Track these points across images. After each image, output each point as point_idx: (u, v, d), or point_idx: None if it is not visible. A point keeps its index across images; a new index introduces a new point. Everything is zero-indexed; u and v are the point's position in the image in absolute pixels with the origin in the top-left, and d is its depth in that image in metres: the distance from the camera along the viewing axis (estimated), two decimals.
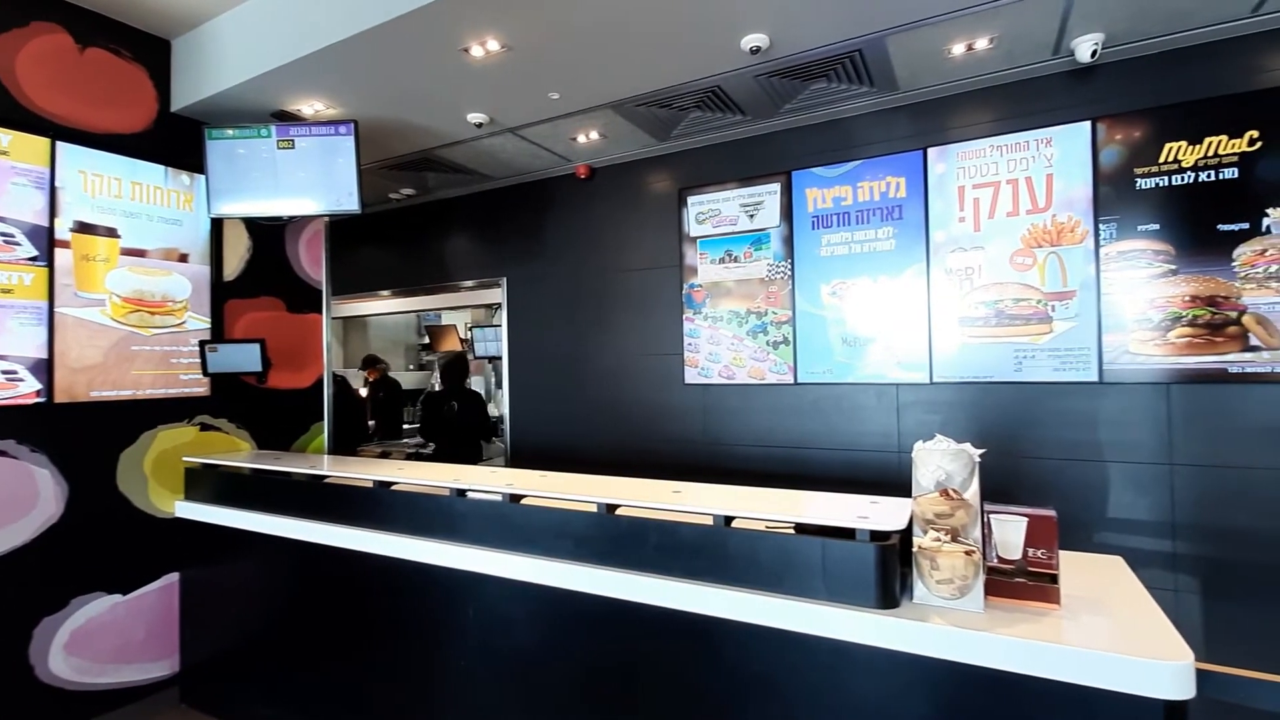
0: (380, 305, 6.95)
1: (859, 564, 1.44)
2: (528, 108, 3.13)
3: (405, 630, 2.16)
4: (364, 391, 6.62)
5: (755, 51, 2.55)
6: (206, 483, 2.89)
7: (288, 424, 3.59)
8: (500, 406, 4.54)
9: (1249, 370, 2.42)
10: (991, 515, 1.48)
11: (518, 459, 4.16)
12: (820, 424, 3.21)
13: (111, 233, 2.87)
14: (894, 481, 2.96)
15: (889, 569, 1.43)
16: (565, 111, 3.17)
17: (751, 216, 3.41)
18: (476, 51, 2.56)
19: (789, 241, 3.31)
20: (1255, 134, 2.43)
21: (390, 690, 2.19)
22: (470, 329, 7.58)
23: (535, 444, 4.12)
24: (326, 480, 2.47)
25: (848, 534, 1.48)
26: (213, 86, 2.94)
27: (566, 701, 1.80)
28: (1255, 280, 2.42)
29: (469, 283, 4.55)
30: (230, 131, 3.04)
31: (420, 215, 4.70)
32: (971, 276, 2.89)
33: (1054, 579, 1.42)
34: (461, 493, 2.06)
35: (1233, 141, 2.46)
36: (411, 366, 8.33)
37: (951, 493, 1.46)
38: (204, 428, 3.17)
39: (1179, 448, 2.52)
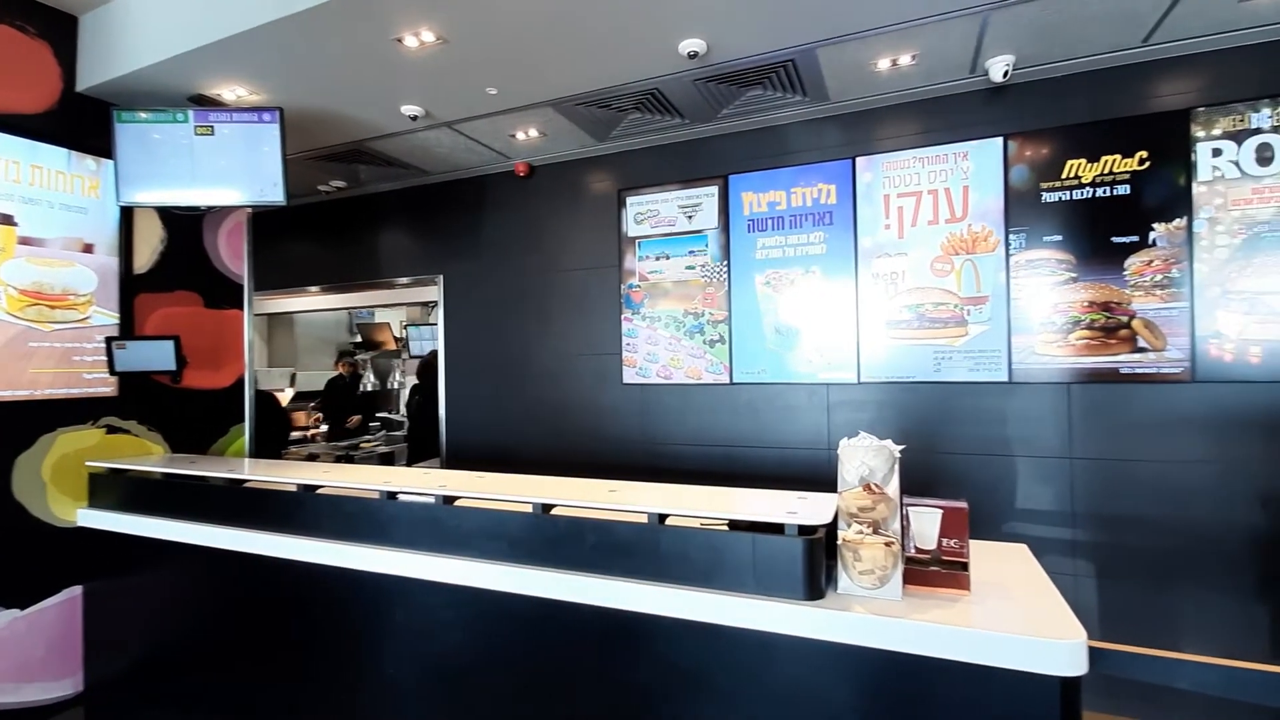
0: (309, 301, 6.67)
1: (787, 558, 1.49)
2: (465, 102, 3.08)
3: (330, 639, 2.09)
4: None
5: (693, 56, 2.60)
6: (113, 489, 2.70)
7: (205, 426, 3.40)
8: (438, 406, 4.43)
9: (1138, 371, 2.65)
10: (910, 508, 1.56)
11: (454, 460, 4.08)
12: (754, 423, 3.29)
13: (7, 220, 2.64)
14: (824, 478, 3.07)
15: (815, 562, 1.49)
16: (504, 108, 3.14)
17: (690, 218, 3.47)
18: (410, 42, 2.49)
19: (725, 244, 3.38)
20: (1145, 154, 2.65)
21: (313, 702, 2.11)
22: (405, 327, 7.37)
23: (472, 445, 4.05)
24: (246, 485, 2.36)
25: (777, 529, 1.52)
26: (124, 66, 2.75)
27: (499, 704, 1.79)
28: (1143, 288, 2.64)
29: (404, 280, 4.43)
30: (143, 115, 2.85)
31: (352, 209, 4.54)
32: (896, 281, 3.03)
33: (965, 567, 1.51)
34: (392, 495, 2.01)
35: (1125, 161, 2.68)
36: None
37: (874, 487, 1.53)
38: (111, 430, 2.96)
39: (1078, 442, 2.73)
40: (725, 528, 1.60)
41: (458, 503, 1.91)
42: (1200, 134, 2.59)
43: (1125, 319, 2.67)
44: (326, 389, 6.56)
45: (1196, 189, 2.59)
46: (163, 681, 2.51)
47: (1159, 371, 2.62)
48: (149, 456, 3.03)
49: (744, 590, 1.51)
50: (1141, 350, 2.64)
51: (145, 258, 3.16)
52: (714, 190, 3.42)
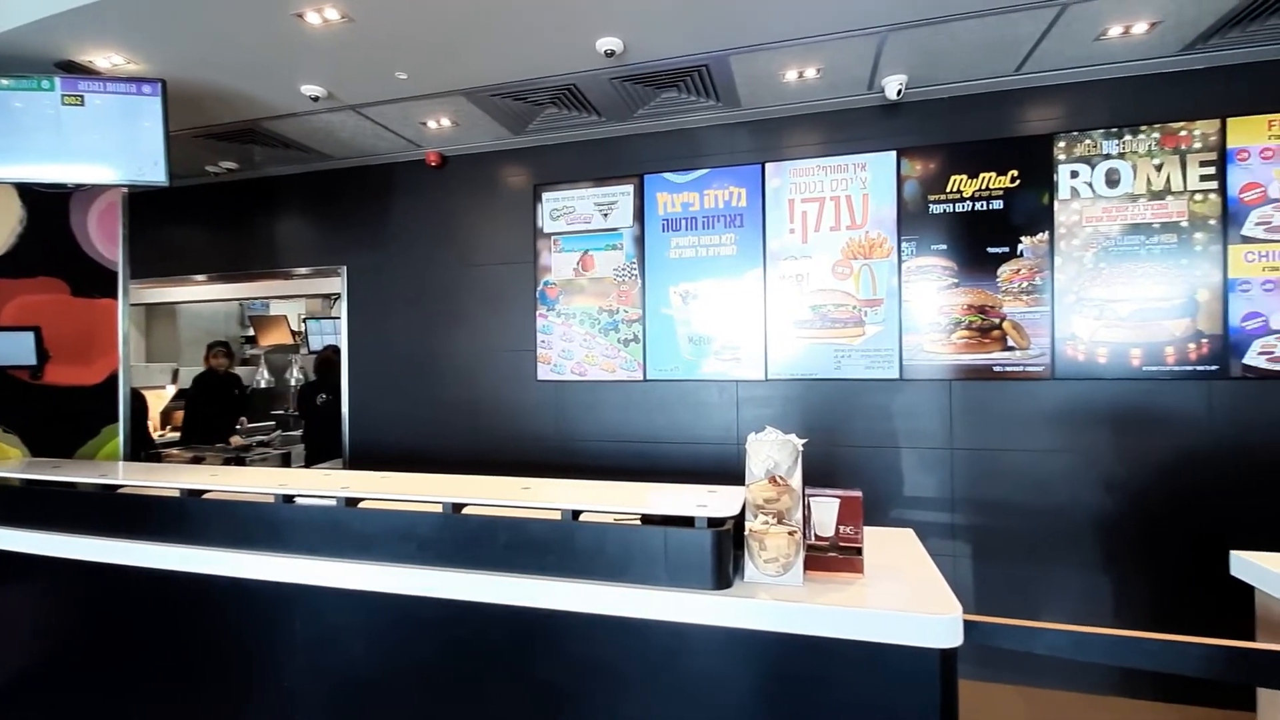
0: (194, 291, 6.14)
1: (697, 550, 1.54)
2: (372, 86, 2.95)
3: (221, 654, 1.95)
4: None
5: (610, 55, 2.62)
6: None
7: (72, 427, 3.07)
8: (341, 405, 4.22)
9: (1008, 368, 2.93)
10: (811, 498, 1.65)
11: (358, 461, 3.91)
12: (668, 419, 3.37)
13: None
14: (733, 472, 3.19)
15: (724, 552, 1.55)
16: (414, 94, 3.03)
17: (605, 216, 3.49)
18: (312, 18, 2.36)
19: (640, 242, 3.43)
20: (1016, 173, 2.94)
21: None
22: (304, 320, 6.94)
23: (378, 444, 3.89)
24: (121, 491, 2.16)
25: (688, 522, 1.57)
26: None
27: (406, 710, 1.74)
28: (1012, 294, 2.93)
29: (303, 270, 4.19)
30: (3, 81, 2.53)
31: (245, 192, 4.23)
32: (801, 283, 3.19)
33: (859, 552, 1.63)
34: (289, 499, 1.90)
35: (1000, 178, 2.95)
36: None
37: (779, 480, 1.61)
38: None
39: (958, 434, 2.99)
40: (638, 522, 1.64)
41: (362, 505, 1.84)
42: (1061, 157, 2.90)
43: (997, 321, 2.95)
44: (194, 387, 5.49)
45: (1057, 206, 2.90)
46: (29, 710, 2.26)
47: (1025, 369, 2.91)
48: (4, 461, 2.71)
49: (656, 583, 1.55)
50: (1010, 349, 2.93)
51: (1, 239, 2.81)
52: (629, 189, 3.45)
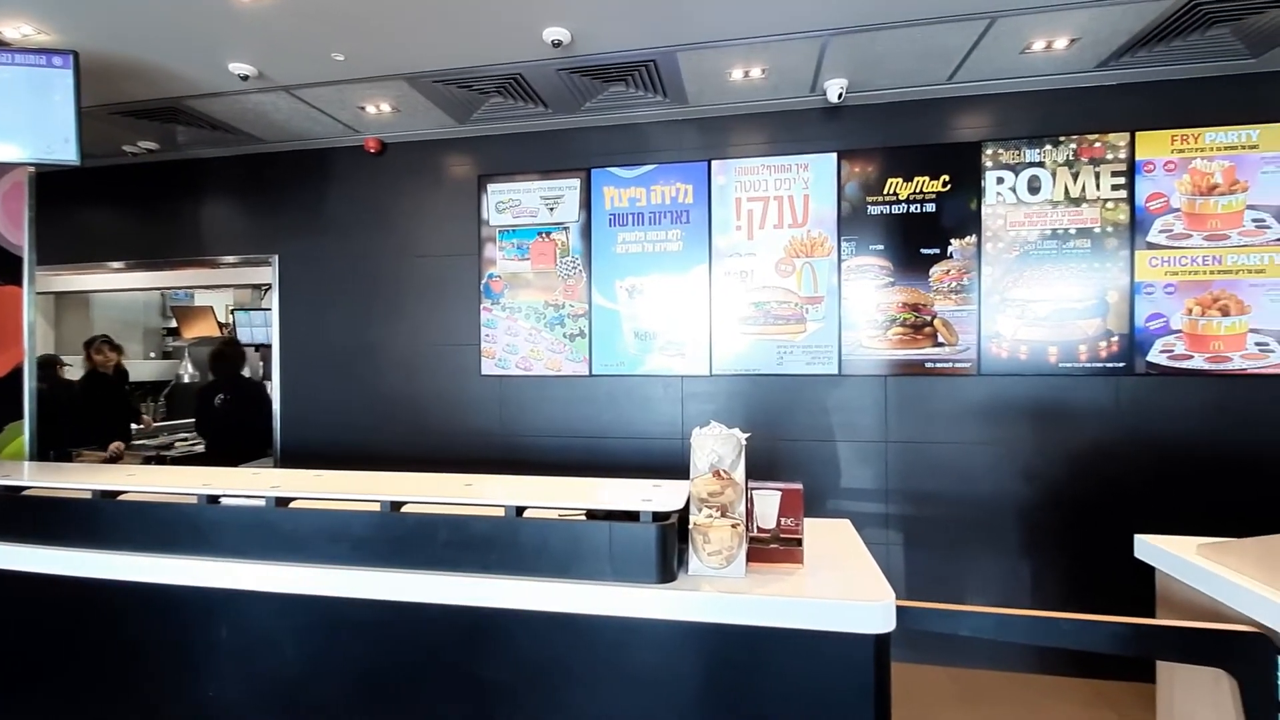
0: (110, 279, 5.73)
1: (642, 544, 1.55)
2: (306, 66, 2.82)
3: (139, 664, 1.84)
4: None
5: (557, 45, 2.58)
6: None
7: None
8: (271, 401, 4.03)
9: (938, 365, 3.07)
10: (753, 491, 1.69)
11: (290, 460, 3.75)
12: (614, 414, 3.37)
13: None
14: (678, 466, 3.22)
15: (668, 546, 1.56)
16: (352, 77, 2.91)
17: (551, 209, 3.45)
18: None
19: (587, 237, 3.41)
20: (948, 178, 3.07)
21: None
22: (232, 312, 6.59)
23: (312, 442, 3.74)
24: (26, 493, 2.00)
25: (633, 516, 1.58)
26: None
27: (341, 716, 1.68)
28: (943, 293, 3.07)
29: (231, 258, 3.97)
30: None
31: (168, 175, 3.98)
32: (745, 280, 3.24)
33: (799, 543, 1.67)
34: (213, 499, 1.81)
35: (933, 182, 3.08)
36: (153, 354, 7.01)
37: (722, 473, 1.63)
38: None
39: (892, 428, 3.11)
40: (583, 518, 1.63)
41: (293, 504, 1.77)
42: (988, 164, 3.04)
43: (929, 318, 3.08)
44: (82, 389, 4.66)
45: (984, 211, 3.05)
46: None
47: (954, 366, 3.06)
48: None
49: (601, 578, 1.55)
50: (940, 345, 3.07)
51: None
52: (575, 183, 3.43)
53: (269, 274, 3.88)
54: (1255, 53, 2.70)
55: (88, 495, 1.91)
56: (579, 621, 1.54)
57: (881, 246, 3.12)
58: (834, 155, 3.17)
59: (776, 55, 2.71)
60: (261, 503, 1.76)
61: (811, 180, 3.18)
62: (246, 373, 4.53)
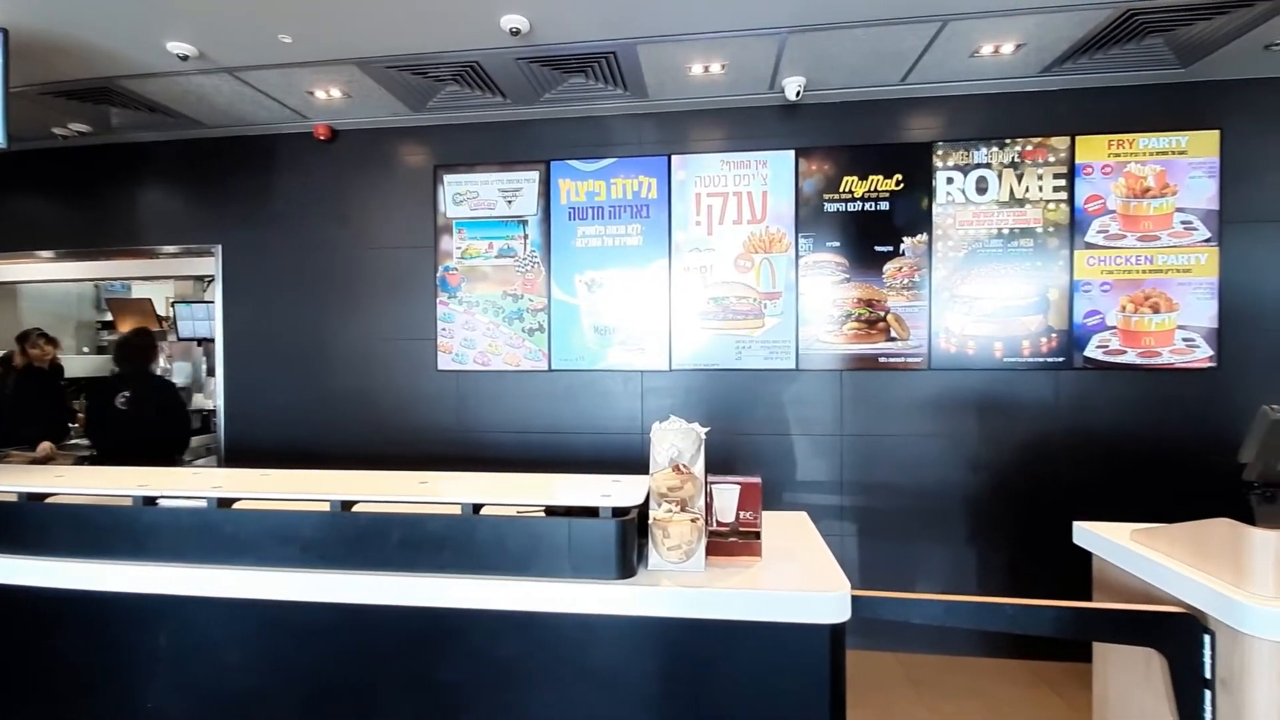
0: (39, 270, 5.38)
1: (601, 540, 1.54)
2: (250, 48, 2.70)
3: (72, 676, 1.74)
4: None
5: (515, 33, 2.54)
6: None
7: None
8: (214, 398, 3.86)
9: (892, 359, 3.15)
10: (713, 485, 1.70)
11: (236, 459, 3.60)
12: (573, 409, 3.35)
13: None
14: (637, 461, 3.22)
15: (628, 542, 1.56)
16: (300, 60, 2.80)
17: (510, 202, 3.40)
18: None
19: (546, 230, 3.37)
20: (900, 177, 3.14)
21: None
22: (172, 305, 6.28)
23: (259, 440, 3.60)
24: None
25: (592, 512, 1.57)
26: None
27: None
28: (896, 289, 3.15)
29: (171, 248, 3.79)
30: None
31: (102, 159, 3.76)
32: (705, 275, 3.26)
33: (758, 536, 1.69)
34: (151, 501, 1.72)
35: (886, 181, 3.15)
36: (87, 349, 6.64)
37: (682, 468, 1.64)
38: None
39: (847, 421, 3.18)
40: (542, 515, 1.61)
41: (237, 505, 1.70)
42: (939, 164, 3.13)
43: (883, 314, 3.16)
44: (15, 385, 4.15)
45: (935, 210, 3.13)
46: None
47: (906, 360, 3.14)
48: None
49: (560, 575, 1.53)
50: (893, 340, 3.15)
51: None
52: (534, 175, 3.38)
53: (211, 265, 3.71)
54: (1185, 63, 2.85)
55: (13, 498, 1.79)
56: (538, 620, 1.52)
57: (837, 243, 3.18)
58: (792, 152, 3.21)
59: (736, 51, 2.72)
60: (203, 504, 1.69)
61: (770, 177, 3.22)
62: (162, 368, 4.19)
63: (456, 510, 1.59)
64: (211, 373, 4.44)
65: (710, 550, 1.65)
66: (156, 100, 3.19)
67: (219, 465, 3.67)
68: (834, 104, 3.18)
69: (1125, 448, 3.04)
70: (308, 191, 3.60)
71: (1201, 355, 2.99)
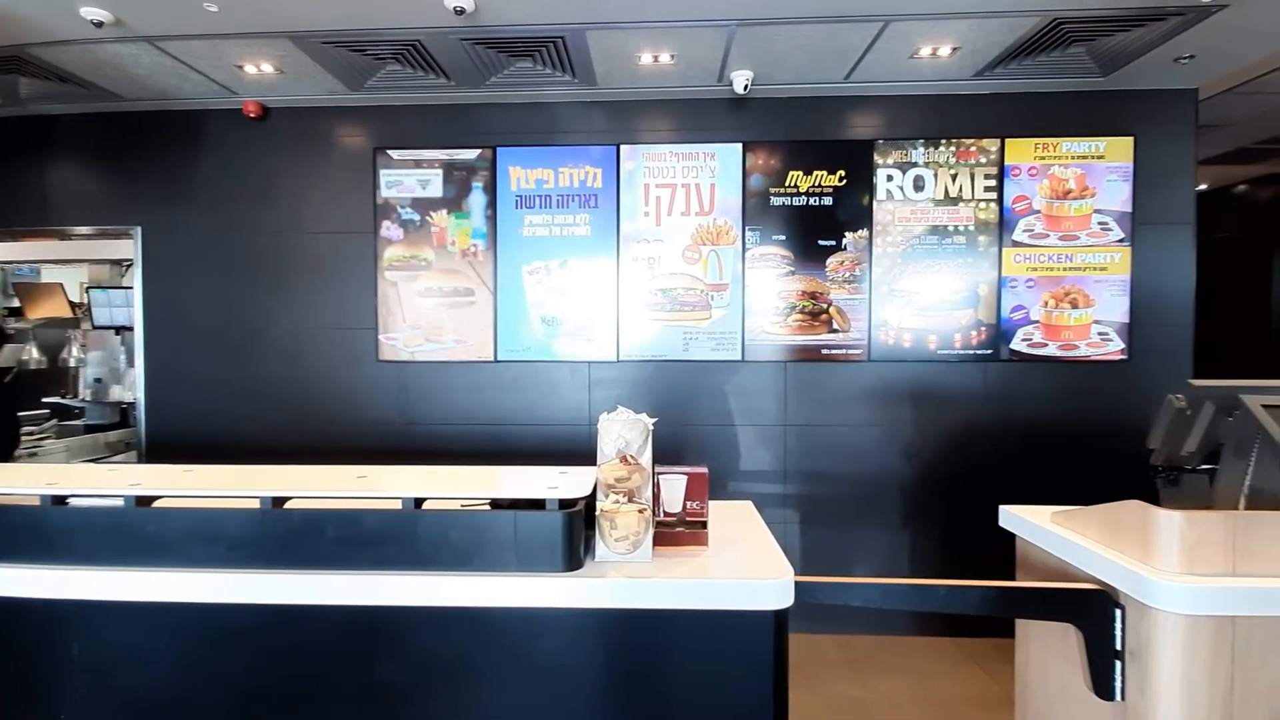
0: None
1: (548, 532, 1.52)
2: (172, 15, 2.52)
3: None
4: None
5: (460, 13, 2.46)
6: None
7: None
8: (134, 390, 3.63)
9: (834, 351, 3.24)
10: (660, 476, 1.70)
11: (158, 454, 3.40)
12: (519, 401, 3.30)
13: None
14: (584, 452, 3.19)
15: (575, 534, 1.55)
16: (226, 31, 2.64)
17: (454, 187, 3.31)
18: None
19: (492, 218, 3.30)
20: (844, 173, 3.22)
21: None
22: (87, 290, 5.86)
23: (183, 434, 3.41)
24: None
25: (539, 505, 1.55)
26: None
27: None
28: (838, 282, 3.24)
29: (85, 229, 3.53)
30: None
31: (8, 133, 3.46)
32: (653, 266, 3.27)
33: (705, 525, 1.71)
34: (60, 500, 1.60)
35: (830, 177, 3.23)
36: None
37: (629, 459, 1.64)
38: None
39: (791, 411, 3.26)
40: (487, 507, 1.59)
41: (158, 503, 1.60)
42: (880, 162, 3.23)
43: (825, 306, 3.24)
44: None
45: (875, 206, 3.23)
46: None
47: (847, 352, 3.24)
48: None
49: (506, 569, 1.51)
50: (835, 331, 3.24)
51: None
52: (481, 161, 3.30)
53: (130, 248, 3.47)
54: (1105, 72, 3.01)
55: None
56: (482, 615, 1.50)
57: (783, 237, 3.24)
58: (739, 146, 3.24)
59: (685, 42, 2.72)
60: (119, 502, 1.58)
61: (718, 169, 3.24)
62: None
63: (397, 505, 1.55)
64: (131, 363, 4.16)
65: (657, 540, 1.66)
66: (69, 70, 2.94)
67: (139, 461, 3.46)
68: (781, 99, 3.23)
69: (1047, 435, 3.22)
70: (236, 171, 3.40)
71: (1114, 348, 3.19)
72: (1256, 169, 5.20)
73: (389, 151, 3.33)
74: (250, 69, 2.96)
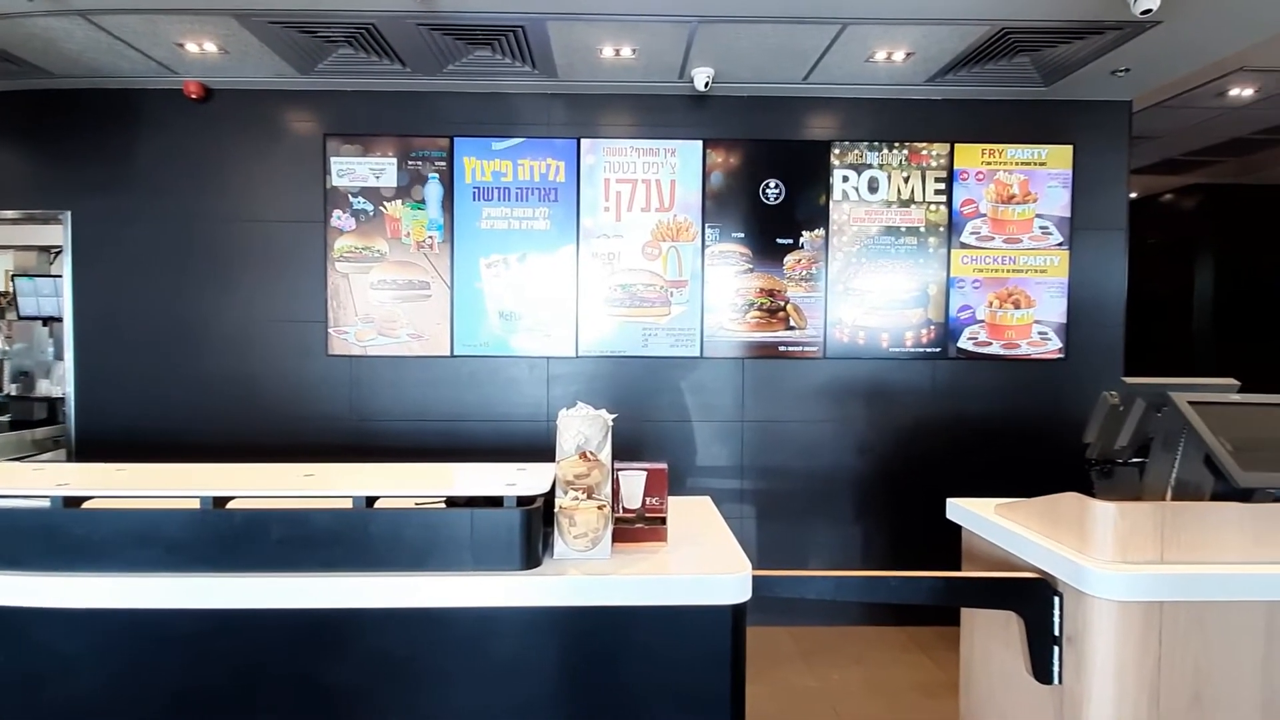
0: None
1: (506, 530, 1.50)
2: None
3: None
4: None
5: None
6: None
7: None
8: (63, 385, 3.43)
9: (790, 348, 3.30)
10: (620, 472, 1.70)
11: (90, 453, 3.22)
12: (476, 396, 3.25)
13: None
14: (543, 448, 3.15)
15: (533, 531, 1.53)
16: (165, 6, 2.50)
17: (409, 177, 3.22)
18: None
19: (449, 209, 3.23)
20: (802, 173, 3.28)
21: None
22: (12, 278, 5.50)
23: (118, 432, 3.24)
24: None
25: (496, 502, 1.53)
26: None
27: None
28: (795, 280, 3.30)
29: (10, 214, 3.31)
30: None
31: None
32: (613, 261, 3.26)
33: (664, 521, 1.71)
34: None
35: (788, 176, 3.28)
36: None
37: (589, 455, 1.63)
38: None
39: (748, 407, 3.30)
40: (442, 505, 1.55)
41: (88, 504, 1.51)
42: (836, 163, 3.29)
43: (783, 303, 3.30)
44: None
45: (831, 206, 3.30)
46: None
47: (803, 349, 3.30)
48: None
49: (461, 568, 1.48)
50: (792, 328, 3.30)
51: None
52: (438, 151, 3.23)
53: (59, 234, 3.27)
54: (1048, 82, 3.14)
55: None
56: (438, 616, 1.47)
57: (742, 234, 3.27)
58: (700, 143, 3.25)
59: (647, 36, 2.71)
60: (45, 503, 1.49)
61: (679, 166, 3.25)
62: None
63: (348, 504, 1.50)
64: (60, 355, 3.92)
65: (617, 537, 1.65)
66: None
67: (69, 459, 3.27)
68: (741, 98, 3.26)
69: (991, 430, 3.35)
70: (177, 156, 3.24)
71: (1053, 347, 3.34)
72: (1181, 179, 5.52)
73: (341, 138, 3.22)
74: (192, 48, 2.82)
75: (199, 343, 3.24)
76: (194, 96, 3.17)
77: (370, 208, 3.22)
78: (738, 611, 1.48)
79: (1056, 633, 1.60)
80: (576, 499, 1.58)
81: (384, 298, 3.23)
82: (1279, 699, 1.49)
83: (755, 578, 1.53)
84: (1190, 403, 1.66)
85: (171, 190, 3.23)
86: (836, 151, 3.28)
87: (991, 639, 1.92)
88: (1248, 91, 3.46)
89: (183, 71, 3.09)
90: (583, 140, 3.24)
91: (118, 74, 3.10)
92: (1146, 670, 1.47)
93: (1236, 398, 1.75)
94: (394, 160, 3.22)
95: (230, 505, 1.52)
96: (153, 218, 3.23)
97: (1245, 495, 1.56)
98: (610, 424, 1.65)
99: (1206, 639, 1.47)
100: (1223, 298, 5.55)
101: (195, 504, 1.49)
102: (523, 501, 1.53)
